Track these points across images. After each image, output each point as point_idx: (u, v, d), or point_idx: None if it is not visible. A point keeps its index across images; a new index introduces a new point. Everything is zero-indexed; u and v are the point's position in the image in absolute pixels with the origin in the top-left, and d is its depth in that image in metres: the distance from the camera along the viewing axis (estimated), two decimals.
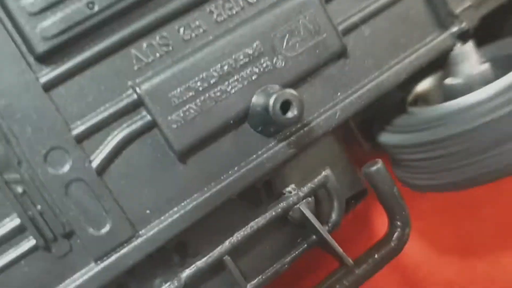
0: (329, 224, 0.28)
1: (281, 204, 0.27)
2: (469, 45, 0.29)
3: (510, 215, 0.36)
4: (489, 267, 0.36)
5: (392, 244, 0.28)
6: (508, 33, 0.34)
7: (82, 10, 0.24)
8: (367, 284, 0.28)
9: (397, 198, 0.28)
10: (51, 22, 0.24)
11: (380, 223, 0.31)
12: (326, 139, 0.29)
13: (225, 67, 0.26)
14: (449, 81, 0.29)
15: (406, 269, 0.37)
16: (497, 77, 0.28)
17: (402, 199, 0.28)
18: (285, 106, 0.25)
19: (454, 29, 0.29)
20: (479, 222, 0.37)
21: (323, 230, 0.27)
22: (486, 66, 0.29)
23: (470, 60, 0.29)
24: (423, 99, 0.31)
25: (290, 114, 0.25)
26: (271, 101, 0.25)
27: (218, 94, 0.26)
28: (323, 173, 0.28)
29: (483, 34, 0.32)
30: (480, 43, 0.32)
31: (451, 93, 0.29)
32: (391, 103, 0.31)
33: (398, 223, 0.28)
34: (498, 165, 0.26)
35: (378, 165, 0.27)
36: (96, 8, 0.24)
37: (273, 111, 0.25)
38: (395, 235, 0.28)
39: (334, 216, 0.28)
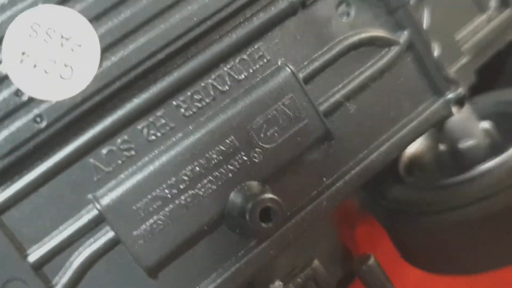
0: None
1: None
2: (467, 108, 0.27)
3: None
4: None
5: None
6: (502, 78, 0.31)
7: (30, 126, 0.22)
8: None
9: None
10: None
11: None
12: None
13: (196, 169, 0.23)
14: (451, 147, 0.27)
15: None
16: (501, 135, 0.26)
17: None
18: (265, 213, 0.23)
19: (450, 95, 0.26)
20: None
21: None
22: (488, 125, 0.27)
23: (470, 124, 0.27)
24: (418, 165, 0.28)
25: (270, 224, 0.22)
26: (249, 208, 0.22)
27: (189, 199, 0.23)
28: (312, 265, 0.26)
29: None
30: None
31: (455, 160, 0.27)
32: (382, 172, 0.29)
33: None
34: None
35: (369, 262, 0.25)
36: (45, 122, 0.22)
37: (251, 219, 0.22)
38: None
39: None
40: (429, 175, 0.28)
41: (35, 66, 0.20)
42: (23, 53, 0.19)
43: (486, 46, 0.28)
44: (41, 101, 0.22)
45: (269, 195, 0.23)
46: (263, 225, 0.23)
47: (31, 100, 0.22)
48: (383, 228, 0.30)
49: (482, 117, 0.29)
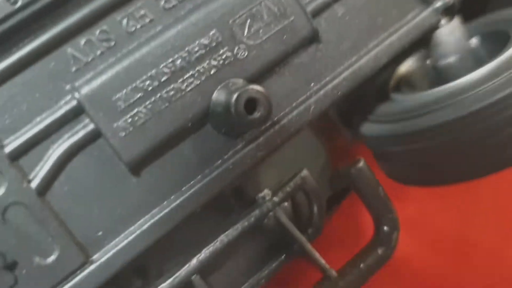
0: (309, 231, 0.25)
1: (254, 212, 0.24)
2: (456, 21, 0.26)
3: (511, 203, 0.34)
4: (488, 258, 0.34)
5: (379, 251, 0.25)
6: (493, 6, 0.31)
7: (3, 6, 0.21)
8: None
9: (383, 200, 0.25)
10: None
11: (370, 223, 0.28)
12: (303, 133, 0.26)
13: (178, 62, 0.23)
14: (436, 62, 0.26)
15: (396, 262, 0.34)
16: (488, 54, 0.26)
17: (388, 201, 0.25)
18: (250, 104, 0.22)
19: (438, 3, 0.26)
20: (477, 209, 0.35)
21: (302, 238, 0.24)
22: (475, 43, 0.26)
23: (458, 37, 0.26)
24: (407, 83, 0.28)
25: (256, 114, 0.22)
26: (233, 100, 0.22)
27: (172, 93, 0.22)
28: (300, 174, 0.25)
29: (468, 9, 0.30)
30: (466, 19, 0.30)
31: (439, 76, 0.26)
32: (372, 89, 0.28)
33: (385, 227, 0.25)
34: (496, 156, 0.24)
35: (359, 165, 0.25)
36: (20, 3, 0.21)
37: (236, 112, 0.22)
38: (382, 241, 0.25)
39: (314, 221, 0.25)
40: (416, 91, 0.28)
41: None
42: None
43: None
44: None
45: (254, 86, 0.22)
46: (249, 117, 0.22)
47: None
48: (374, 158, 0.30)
49: (472, 35, 0.28)
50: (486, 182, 0.32)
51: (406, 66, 0.28)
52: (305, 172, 0.25)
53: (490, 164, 0.24)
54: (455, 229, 0.35)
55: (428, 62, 0.27)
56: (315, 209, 0.25)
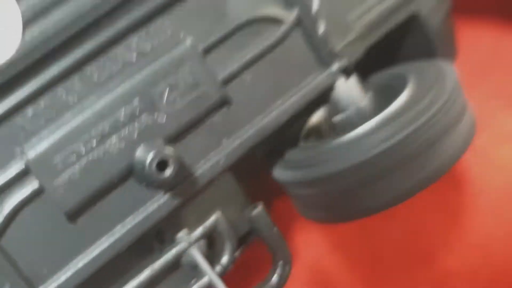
0: (220, 266, 0.30)
1: (172, 250, 0.29)
2: (352, 80, 0.31)
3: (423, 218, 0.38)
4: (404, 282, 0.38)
5: (273, 281, 0.29)
6: (401, 57, 0.35)
7: None
8: None
9: (277, 238, 0.29)
10: None
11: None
12: (222, 177, 0.31)
13: (106, 128, 0.28)
14: (335, 116, 0.31)
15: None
16: (380, 107, 0.30)
17: (281, 238, 0.30)
18: (162, 165, 0.27)
19: (334, 66, 0.30)
20: (392, 229, 0.39)
21: (211, 272, 0.28)
22: (367, 99, 0.30)
23: (354, 94, 0.30)
24: (316, 133, 0.32)
25: (166, 173, 0.27)
26: (147, 161, 0.27)
27: (101, 154, 0.28)
28: (213, 216, 0.30)
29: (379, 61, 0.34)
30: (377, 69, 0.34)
31: (339, 129, 0.30)
32: (285, 138, 0.32)
33: (280, 262, 0.30)
34: (387, 195, 0.28)
35: (258, 209, 0.29)
36: None
37: (149, 171, 0.27)
38: (276, 272, 0.29)
39: (224, 257, 0.30)
40: (320, 141, 0.32)
41: None
42: None
43: (376, 25, 0.31)
44: None
45: (167, 149, 0.27)
46: (161, 175, 0.27)
47: None
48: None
49: (370, 89, 0.32)
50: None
51: (316, 117, 0.33)
52: (218, 214, 0.30)
53: (379, 203, 0.28)
54: (371, 252, 0.39)
55: (331, 118, 0.31)
56: (226, 247, 0.30)
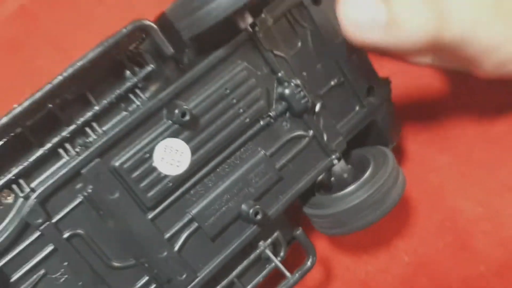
0: (279, 257, 0.41)
1: (257, 251, 0.40)
2: (341, 162, 0.43)
3: None
4: None
5: (307, 266, 0.41)
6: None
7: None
8: None
9: (308, 243, 0.42)
10: None
11: None
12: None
13: (228, 196, 0.38)
14: (332, 180, 0.44)
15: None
16: (355, 175, 0.43)
17: (311, 244, 0.41)
18: (256, 213, 0.38)
19: (333, 157, 0.42)
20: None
21: (277, 262, 0.40)
22: (348, 171, 0.43)
23: (341, 169, 0.44)
24: (323, 187, 0.45)
25: (258, 217, 0.38)
26: (249, 212, 0.38)
27: (226, 208, 0.38)
28: (276, 232, 0.40)
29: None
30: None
31: (335, 186, 0.44)
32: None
33: (310, 257, 0.42)
34: (364, 220, 0.41)
35: (300, 231, 0.41)
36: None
37: (250, 217, 0.38)
38: (308, 262, 0.41)
39: (281, 253, 0.41)
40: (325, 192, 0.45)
41: (162, 160, 0.35)
42: (162, 158, 0.35)
43: (352, 129, 0.44)
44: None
45: (256, 204, 0.37)
46: (256, 219, 0.37)
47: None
48: None
49: (349, 162, 0.44)
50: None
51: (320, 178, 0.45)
52: (278, 232, 0.40)
53: (361, 224, 0.42)
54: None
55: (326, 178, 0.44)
56: (283, 247, 0.41)
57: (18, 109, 0.31)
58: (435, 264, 0.44)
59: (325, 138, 0.42)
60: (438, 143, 0.50)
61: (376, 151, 0.44)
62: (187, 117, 0.35)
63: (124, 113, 0.36)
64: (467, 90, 0.50)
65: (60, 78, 0.32)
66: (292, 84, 0.40)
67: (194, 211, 0.37)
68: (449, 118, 0.51)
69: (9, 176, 0.32)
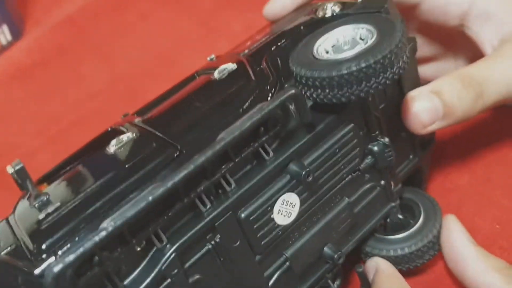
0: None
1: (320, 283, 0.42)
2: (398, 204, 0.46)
3: None
4: None
5: None
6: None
7: None
8: None
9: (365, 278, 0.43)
10: None
11: None
12: None
13: (320, 237, 0.40)
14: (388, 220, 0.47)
15: None
16: (406, 220, 0.47)
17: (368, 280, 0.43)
18: (337, 257, 0.40)
19: (396, 202, 0.45)
20: None
21: None
22: (401, 215, 0.46)
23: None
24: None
25: (339, 261, 0.40)
26: (334, 256, 0.40)
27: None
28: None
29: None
30: None
31: (389, 227, 0.47)
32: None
33: None
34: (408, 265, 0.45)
35: (362, 268, 0.43)
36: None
37: (334, 261, 0.40)
38: None
39: (337, 282, 0.43)
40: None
41: (279, 212, 0.37)
42: (278, 210, 0.37)
43: (408, 174, 0.47)
44: None
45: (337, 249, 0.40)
46: (335, 260, 0.40)
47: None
48: None
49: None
50: None
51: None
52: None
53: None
54: None
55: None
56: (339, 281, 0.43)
57: (184, 172, 0.31)
58: (452, 279, 0.45)
59: (392, 186, 0.44)
60: (458, 165, 0.53)
61: (425, 200, 0.47)
62: (310, 178, 0.36)
63: (250, 165, 0.36)
64: (487, 117, 0.54)
65: (222, 144, 0.32)
66: (381, 142, 0.42)
67: (289, 253, 0.39)
68: (468, 142, 0.54)
69: (153, 227, 0.32)
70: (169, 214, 0.32)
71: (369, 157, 0.42)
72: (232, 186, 0.35)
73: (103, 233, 0.28)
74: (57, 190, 0.35)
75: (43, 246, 0.30)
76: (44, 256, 0.30)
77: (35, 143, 0.70)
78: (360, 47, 0.37)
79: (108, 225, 0.29)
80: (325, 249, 0.41)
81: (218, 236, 0.35)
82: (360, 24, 0.39)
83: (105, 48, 0.82)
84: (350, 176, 0.41)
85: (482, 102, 0.44)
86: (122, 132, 0.38)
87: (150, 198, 0.30)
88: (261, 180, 0.36)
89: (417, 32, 0.53)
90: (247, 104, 0.37)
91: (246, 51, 0.44)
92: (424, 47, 0.53)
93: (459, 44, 0.53)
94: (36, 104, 0.76)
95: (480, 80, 0.43)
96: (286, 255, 0.39)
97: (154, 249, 0.32)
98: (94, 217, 0.31)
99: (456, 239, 0.43)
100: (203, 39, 0.78)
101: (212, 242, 0.34)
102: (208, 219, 0.34)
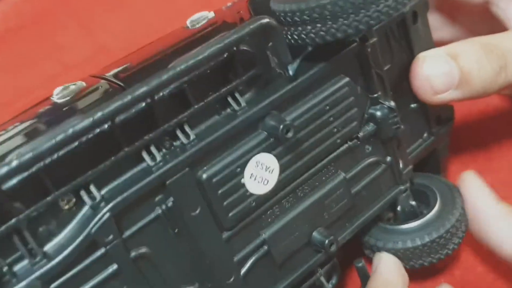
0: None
1: (311, 280, 0.36)
2: (408, 191, 0.41)
3: None
4: None
5: None
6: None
7: None
8: None
9: (366, 274, 0.38)
10: None
11: None
12: None
13: (301, 218, 0.34)
14: (398, 208, 0.42)
15: None
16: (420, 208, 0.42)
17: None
18: (330, 244, 0.34)
19: (404, 185, 0.40)
20: None
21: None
22: (413, 202, 0.41)
23: (409, 199, 0.41)
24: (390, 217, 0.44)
25: (332, 248, 0.34)
26: (325, 242, 0.34)
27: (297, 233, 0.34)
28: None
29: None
30: None
31: (401, 216, 0.42)
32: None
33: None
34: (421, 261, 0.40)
35: (363, 263, 0.38)
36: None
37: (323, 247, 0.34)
38: None
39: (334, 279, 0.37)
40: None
41: (251, 176, 0.31)
42: (251, 175, 0.31)
43: (421, 155, 0.42)
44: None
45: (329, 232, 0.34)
46: (328, 248, 0.34)
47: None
48: None
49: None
50: None
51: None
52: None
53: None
54: None
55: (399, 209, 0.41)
56: (335, 278, 0.37)
57: (118, 102, 0.25)
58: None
59: (401, 166, 0.39)
60: (481, 164, 0.48)
61: (441, 185, 0.42)
62: (290, 134, 0.30)
63: (217, 117, 0.31)
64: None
65: (170, 73, 0.27)
66: (386, 106, 0.37)
67: (267, 233, 0.32)
68: (493, 140, 0.50)
69: (80, 179, 0.26)
70: (106, 164, 0.26)
71: (370, 123, 0.37)
72: (191, 138, 0.29)
73: (4, 169, 0.23)
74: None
75: None
76: None
77: None
78: None
79: (11, 159, 0.23)
80: (314, 233, 0.34)
81: (171, 199, 0.28)
82: None
83: (88, 17, 0.76)
84: (346, 145, 0.36)
85: (504, 76, 0.39)
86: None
87: (70, 130, 0.24)
88: (227, 133, 0.30)
89: (437, 10, 0.49)
90: None
91: (229, 4, 0.38)
92: (443, 29, 0.50)
93: (482, 26, 0.47)
94: (6, 74, 0.70)
95: (505, 50, 0.39)
96: (264, 236, 0.32)
97: (86, 208, 0.26)
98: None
99: (477, 197, 0.40)
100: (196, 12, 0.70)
101: (163, 207, 0.28)
102: (156, 174, 0.27)
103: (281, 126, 0.30)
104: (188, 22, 0.36)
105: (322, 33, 0.31)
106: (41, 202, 0.25)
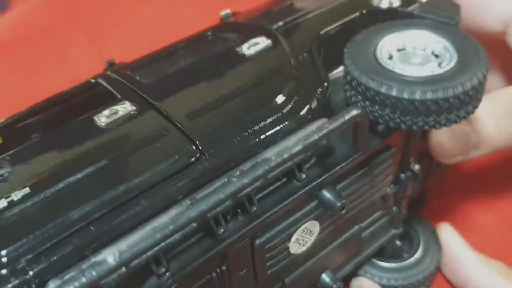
0: None
1: None
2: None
3: None
4: None
5: None
6: None
7: None
8: None
9: None
10: None
11: None
12: None
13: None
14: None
15: None
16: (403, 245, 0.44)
17: None
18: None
19: (399, 230, 0.41)
20: None
21: None
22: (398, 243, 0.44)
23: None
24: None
25: None
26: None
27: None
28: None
29: None
30: None
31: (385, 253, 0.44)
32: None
33: None
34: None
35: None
36: None
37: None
38: None
39: None
40: None
41: (296, 241, 0.33)
42: (296, 239, 0.33)
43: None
44: None
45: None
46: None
47: None
48: None
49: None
50: None
51: None
52: None
53: None
54: None
55: None
56: None
57: (217, 198, 0.25)
58: None
59: (403, 214, 0.40)
60: (482, 202, 0.49)
61: (424, 227, 0.45)
62: (344, 211, 0.31)
63: (277, 183, 0.30)
64: None
65: (267, 168, 0.27)
66: (411, 171, 0.38)
67: (287, 280, 0.34)
68: (494, 178, 0.51)
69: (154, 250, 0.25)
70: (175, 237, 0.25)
71: (393, 185, 0.37)
72: (255, 208, 0.28)
73: (105, 268, 0.22)
74: (23, 161, 0.26)
75: (3, 253, 0.22)
76: (3, 271, 0.21)
77: None
78: (434, 66, 0.31)
79: (111, 257, 0.22)
80: (323, 276, 0.36)
81: (226, 263, 0.29)
82: (436, 36, 0.33)
83: (96, 30, 0.75)
84: (372, 204, 0.37)
85: None
86: (112, 95, 0.30)
87: (171, 227, 0.23)
88: (289, 204, 0.30)
89: None
90: (286, 100, 0.30)
91: (280, 23, 0.36)
92: None
93: (497, 56, 0.46)
94: (13, 84, 0.68)
95: None
96: (286, 280, 0.34)
97: (153, 278, 0.26)
98: (80, 226, 0.23)
99: (455, 247, 0.41)
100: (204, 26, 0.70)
101: (218, 270, 0.29)
102: (221, 246, 0.27)
103: (339, 204, 0.31)
104: (244, 47, 0.34)
105: (397, 121, 0.30)
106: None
